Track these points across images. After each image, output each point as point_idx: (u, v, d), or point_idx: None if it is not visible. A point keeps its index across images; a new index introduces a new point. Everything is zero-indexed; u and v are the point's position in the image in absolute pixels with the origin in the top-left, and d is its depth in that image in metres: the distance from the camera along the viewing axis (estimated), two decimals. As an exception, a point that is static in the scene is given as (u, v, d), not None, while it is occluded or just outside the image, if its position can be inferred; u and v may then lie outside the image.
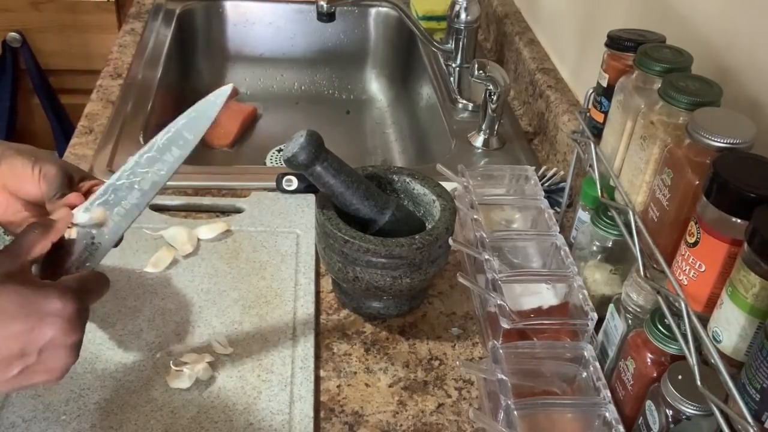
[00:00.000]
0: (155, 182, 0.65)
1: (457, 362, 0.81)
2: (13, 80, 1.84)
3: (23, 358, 0.54)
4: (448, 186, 0.86)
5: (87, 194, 0.68)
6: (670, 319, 0.61)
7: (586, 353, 0.72)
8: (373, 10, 1.59)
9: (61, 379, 0.58)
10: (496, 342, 0.72)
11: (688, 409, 0.59)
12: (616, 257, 0.81)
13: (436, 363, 0.81)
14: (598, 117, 0.80)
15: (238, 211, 0.99)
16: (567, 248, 0.82)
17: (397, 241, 0.76)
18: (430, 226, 0.81)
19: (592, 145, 0.78)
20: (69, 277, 0.60)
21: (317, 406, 0.75)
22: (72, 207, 0.64)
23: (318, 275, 0.90)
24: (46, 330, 0.55)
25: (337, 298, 0.88)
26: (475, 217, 0.84)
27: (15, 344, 0.54)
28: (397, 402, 0.76)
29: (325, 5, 1.23)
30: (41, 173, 0.67)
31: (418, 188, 0.86)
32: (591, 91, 0.82)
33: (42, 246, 0.60)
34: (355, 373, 0.79)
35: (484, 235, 0.82)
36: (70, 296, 0.56)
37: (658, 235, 0.64)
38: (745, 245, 0.51)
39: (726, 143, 0.58)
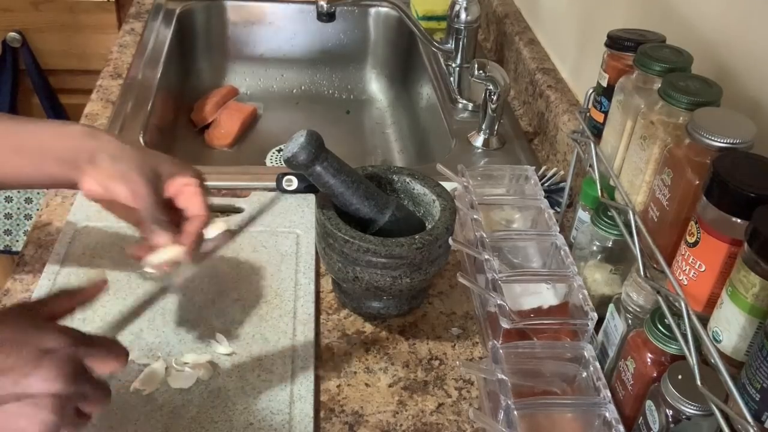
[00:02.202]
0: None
1: (457, 362, 0.81)
2: (13, 80, 1.84)
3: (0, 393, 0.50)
4: (448, 186, 0.86)
5: (176, 196, 0.71)
6: (670, 319, 0.61)
7: (586, 353, 0.72)
8: (373, 10, 1.59)
9: None
10: (496, 342, 0.72)
11: (688, 409, 0.59)
12: (616, 257, 0.81)
13: (436, 363, 0.81)
14: (598, 117, 0.80)
15: (238, 211, 0.99)
16: (567, 248, 0.82)
17: (397, 241, 0.76)
18: (430, 226, 0.81)
19: (592, 145, 0.78)
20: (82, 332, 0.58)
21: (317, 406, 0.75)
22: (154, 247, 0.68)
23: (318, 275, 0.90)
24: (30, 366, 0.50)
25: (337, 298, 0.88)
26: (475, 217, 0.84)
27: None
28: (397, 402, 0.76)
29: (325, 5, 1.23)
30: (131, 191, 0.68)
31: (418, 188, 0.86)
32: (591, 91, 0.82)
33: (65, 309, 0.59)
34: (355, 373, 0.79)
35: (484, 235, 0.82)
36: (65, 337, 0.53)
37: (658, 235, 0.64)
38: (745, 245, 0.51)
39: (726, 143, 0.58)
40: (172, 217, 0.71)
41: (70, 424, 0.53)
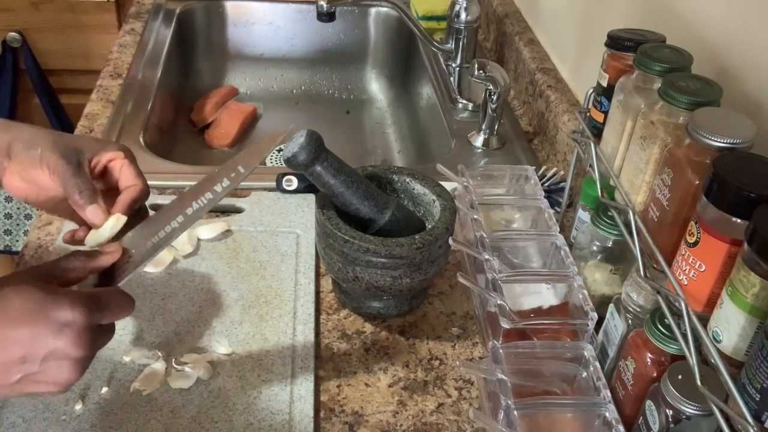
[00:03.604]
0: (200, 208, 0.66)
1: (457, 362, 0.81)
2: (13, 80, 1.84)
3: (24, 365, 0.53)
4: (448, 186, 0.86)
5: (104, 173, 0.68)
6: (670, 319, 0.61)
7: (586, 353, 0.72)
8: (373, 10, 1.59)
9: (63, 393, 0.56)
10: (496, 342, 0.72)
11: (688, 409, 0.59)
12: (616, 257, 0.81)
13: (436, 363, 0.81)
14: (598, 117, 0.80)
15: (238, 211, 0.99)
16: (567, 248, 0.82)
17: (397, 241, 0.76)
18: (430, 226, 0.81)
19: (592, 145, 0.78)
20: (89, 290, 0.59)
21: (317, 406, 0.75)
22: (97, 221, 0.64)
23: (318, 275, 0.90)
24: (50, 338, 0.53)
25: (337, 298, 0.88)
26: (475, 217, 0.84)
27: (17, 349, 0.53)
28: (397, 402, 0.76)
29: (325, 5, 1.23)
30: (49, 169, 0.64)
31: (418, 188, 0.86)
32: (591, 90, 0.82)
33: (79, 275, 0.60)
34: (355, 373, 0.79)
35: (484, 235, 0.82)
36: (82, 308, 0.54)
37: (658, 235, 0.64)
38: (745, 245, 0.51)
39: (726, 143, 0.58)
40: (109, 198, 0.68)
41: (87, 369, 0.57)
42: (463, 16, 1.32)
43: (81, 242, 0.65)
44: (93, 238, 0.64)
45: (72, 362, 0.55)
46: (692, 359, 0.57)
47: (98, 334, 0.57)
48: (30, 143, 0.66)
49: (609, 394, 0.68)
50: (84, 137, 0.71)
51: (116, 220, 0.64)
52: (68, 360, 0.54)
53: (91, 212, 0.64)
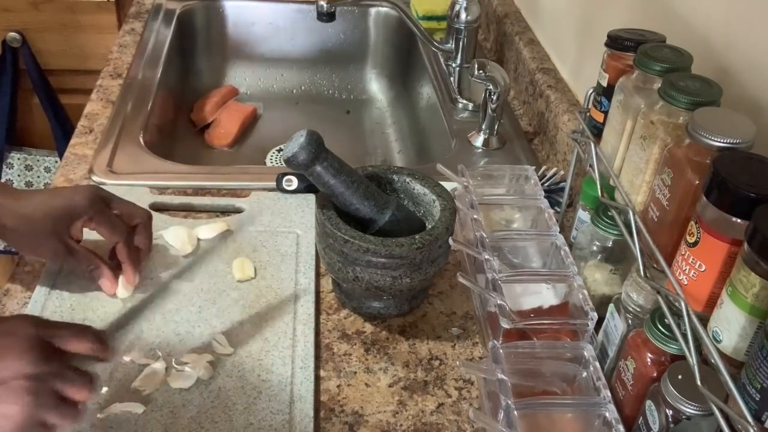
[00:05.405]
0: None
1: (457, 362, 0.81)
2: (13, 80, 1.84)
3: None
4: (448, 186, 0.86)
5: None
6: (670, 319, 0.61)
7: (586, 353, 0.72)
8: (373, 10, 1.59)
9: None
10: (496, 342, 0.72)
11: (688, 409, 0.59)
12: (616, 257, 0.81)
13: (436, 363, 0.81)
14: (598, 117, 0.80)
15: (238, 211, 0.99)
16: (567, 248, 0.82)
17: (397, 241, 0.76)
18: (430, 226, 0.81)
19: (592, 145, 0.78)
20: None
21: (317, 406, 0.75)
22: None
23: (318, 275, 0.90)
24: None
25: (337, 298, 0.88)
26: (475, 217, 0.84)
27: None
28: (397, 402, 0.76)
29: (325, 5, 1.23)
30: (44, 256, 0.79)
31: (418, 188, 0.86)
32: (591, 90, 0.82)
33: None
34: (355, 373, 0.79)
35: (484, 235, 0.82)
36: (26, 322, 0.54)
37: (658, 235, 0.64)
38: (745, 245, 0.51)
39: (726, 143, 0.58)
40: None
41: (52, 407, 0.54)
42: (463, 16, 1.32)
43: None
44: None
45: (22, 381, 0.52)
46: (692, 359, 0.57)
47: (55, 360, 0.55)
48: (16, 229, 0.75)
49: (609, 394, 0.68)
50: (54, 211, 0.77)
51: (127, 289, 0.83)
52: (18, 378, 0.52)
53: (103, 285, 0.82)
